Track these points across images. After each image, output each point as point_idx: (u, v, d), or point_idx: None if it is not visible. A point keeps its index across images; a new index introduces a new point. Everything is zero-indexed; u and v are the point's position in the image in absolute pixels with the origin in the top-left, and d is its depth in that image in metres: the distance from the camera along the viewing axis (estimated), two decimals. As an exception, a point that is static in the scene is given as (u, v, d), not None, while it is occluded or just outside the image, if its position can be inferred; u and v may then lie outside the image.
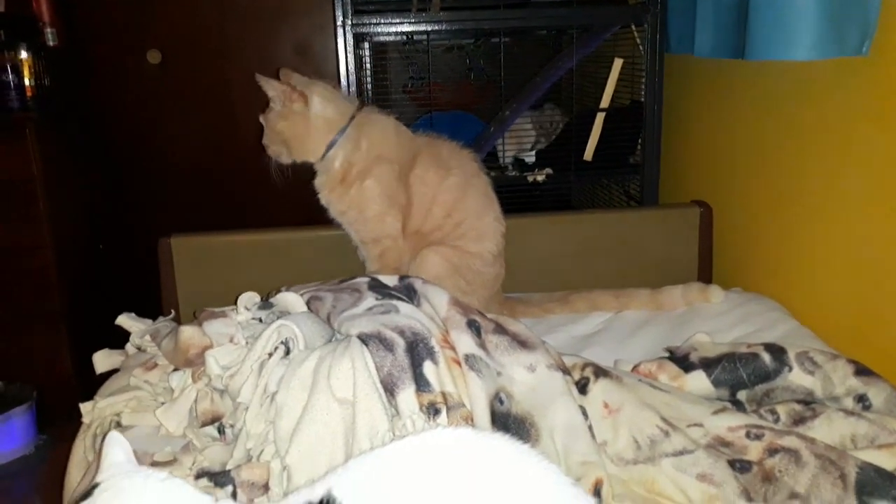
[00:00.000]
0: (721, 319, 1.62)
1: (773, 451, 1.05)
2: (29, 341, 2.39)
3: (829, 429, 1.10)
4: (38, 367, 2.40)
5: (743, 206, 1.88)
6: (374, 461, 0.78)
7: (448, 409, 1.05)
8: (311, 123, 1.61)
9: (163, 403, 1.23)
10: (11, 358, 2.37)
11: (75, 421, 1.42)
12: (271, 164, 1.66)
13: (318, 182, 1.67)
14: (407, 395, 1.06)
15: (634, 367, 1.31)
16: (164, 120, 3.10)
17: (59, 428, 2.23)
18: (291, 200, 1.79)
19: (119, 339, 1.52)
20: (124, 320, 1.47)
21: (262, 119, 1.64)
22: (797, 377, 1.25)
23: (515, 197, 2.12)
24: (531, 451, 0.80)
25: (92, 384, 1.46)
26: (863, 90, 1.42)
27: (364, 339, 1.11)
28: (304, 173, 1.70)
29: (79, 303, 2.50)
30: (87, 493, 0.76)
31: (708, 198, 1.98)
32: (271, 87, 1.59)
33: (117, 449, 0.82)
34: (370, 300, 1.25)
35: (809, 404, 1.18)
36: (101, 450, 0.82)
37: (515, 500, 0.72)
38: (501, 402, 1.11)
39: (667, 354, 1.35)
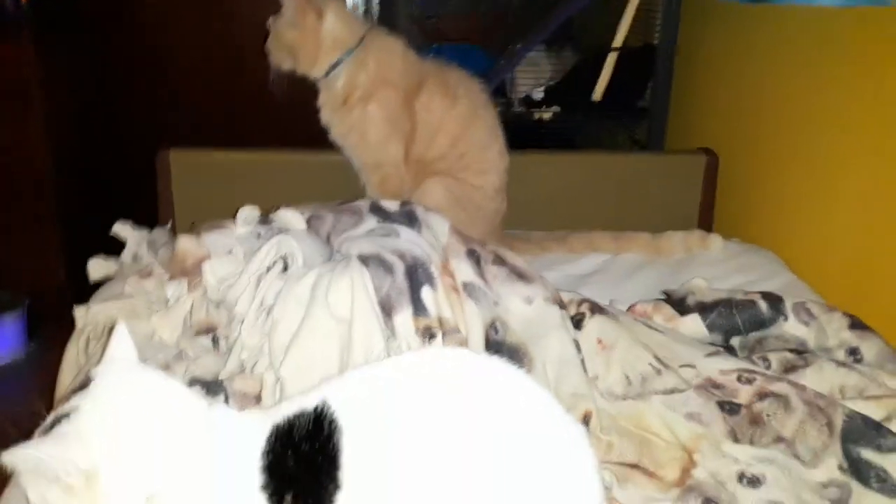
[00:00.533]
0: (719, 268, 1.61)
1: (762, 395, 1.06)
2: (21, 247, 2.37)
3: (819, 378, 1.11)
4: (29, 274, 2.39)
5: (750, 156, 1.86)
6: (370, 374, 0.78)
7: (444, 334, 1.06)
8: (322, 39, 1.58)
9: (157, 311, 1.22)
10: (4, 264, 2.36)
11: (66, 328, 1.42)
12: (270, 72, 1.62)
13: (321, 100, 1.64)
14: (404, 318, 1.06)
15: (630, 307, 1.31)
16: (168, 30, 3.01)
17: (49, 334, 2.24)
18: (293, 119, 1.75)
19: (113, 249, 1.51)
20: (120, 228, 1.45)
21: (269, 23, 1.60)
22: (792, 327, 1.26)
23: (520, 134, 2.08)
24: (525, 375, 0.80)
25: (84, 293, 1.45)
26: (886, 41, 1.38)
27: (364, 259, 1.10)
28: (306, 92, 1.67)
29: (73, 210, 2.48)
30: (85, 384, 0.76)
31: (715, 145, 1.95)
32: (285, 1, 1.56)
33: (123, 343, 0.82)
34: (371, 223, 1.24)
35: (802, 354, 1.19)
36: (104, 346, 0.81)
37: (508, 417, 0.72)
38: (497, 330, 1.12)
39: (663, 297, 1.36)
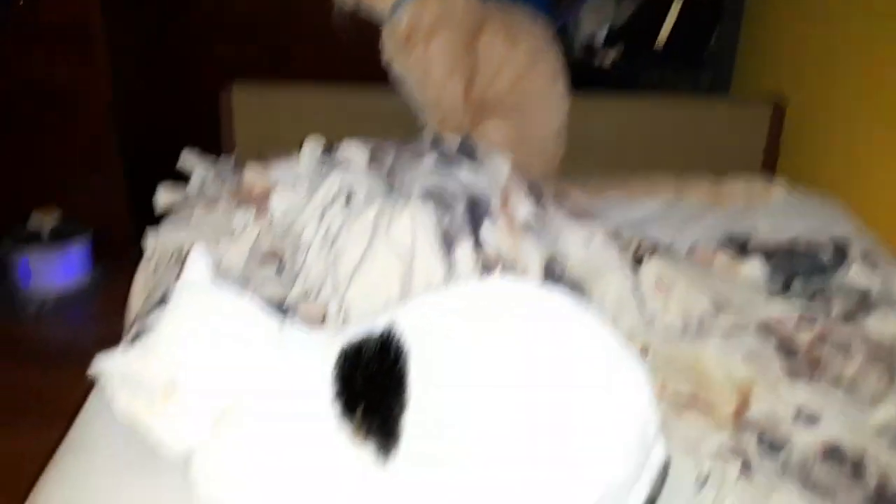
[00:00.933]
0: (782, 216, 1.57)
1: (822, 339, 1.06)
2: (86, 179, 2.45)
3: (882, 325, 1.10)
4: (94, 205, 2.46)
5: (818, 105, 1.80)
6: (437, 299, 0.79)
7: (502, 269, 1.07)
8: None
9: (224, 240, 1.25)
10: (69, 196, 2.44)
11: (128, 257, 1.47)
12: (334, 10, 1.62)
13: (384, 38, 1.64)
14: (463, 252, 1.07)
15: (690, 250, 1.30)
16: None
17: (112, 263, 2.32)
18: (354, 56, 1.75)
19: (179, 182, 1.54)
20: (187, 159, 1.49)
21: None
22: (855, 275, 1.23)
23: (582, 77, 2.05)
24: (586, 307, 0.81)
25: (146, 225, 1.49)
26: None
27: (425, 194, 1.12)
28: (366, 30, 1.66)
29: (136, 143, 2.54)
30: (164, 301, 0.79)
31: (783, 92, 1.90)
32: None
33: (200, 262, 0.85)
34: (432, 159, 1.25)
35: (865, 301, 1.17)
36: (179, 269, 0.85)
37: (570, 342, 0.74)
38: (555, 268, 1.13)
39: (724, 241, 1.34)
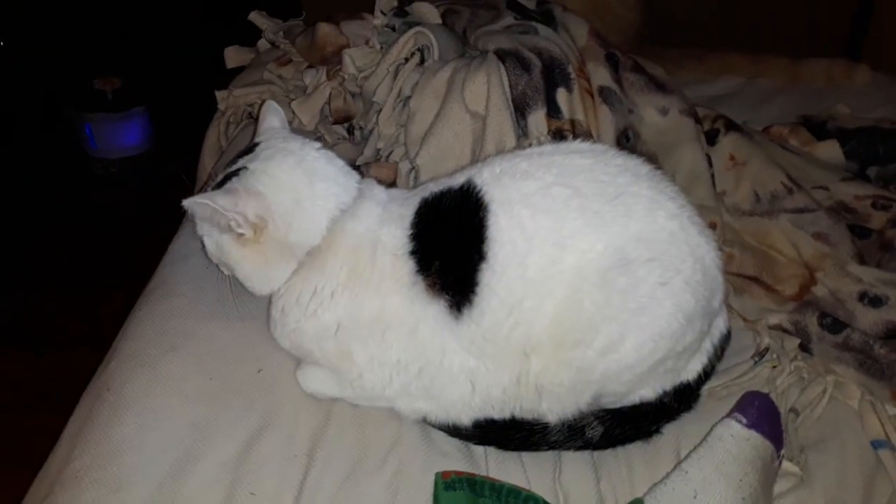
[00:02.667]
0: (864, 100, 1.50)
1: (895, 223, 1.04)
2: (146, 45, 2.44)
3: (960, 212, 1.07)
4: (154, 71, 2.46)
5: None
6: (513, 157, 0.80)
7: (575, 137, 1.06)
8: None
9: (296, 98, 1.26)
10: (130, 61, 2.43)
11: (187, 124, 1.48)
12: None
13: None
14: (537, 117, 1.06)
15: (766, 128, 1.27)
16: None
17: (172, 130, 2.34)
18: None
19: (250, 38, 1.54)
20: (256, 17, 1.48)
21: None
22: (937, 161, 1.20)
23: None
24: (661, 175, 0.81)
25: (222, 76, 1.50)
26: None
27: (501, 55, 1.10)
28: None
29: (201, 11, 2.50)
30: (249, 150, 0.82)
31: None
32: None
33: (274, 116, 0.87)
34: (508, 18, 1.21)
35: (945, 189, 1.14)
36: (258, 115, 0.87)
37: (646, 205, 0.74)
38: (628, 138, 1.11)
39: (801, 120, 1.30)
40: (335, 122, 1.22)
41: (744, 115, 1.42)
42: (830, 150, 1.21)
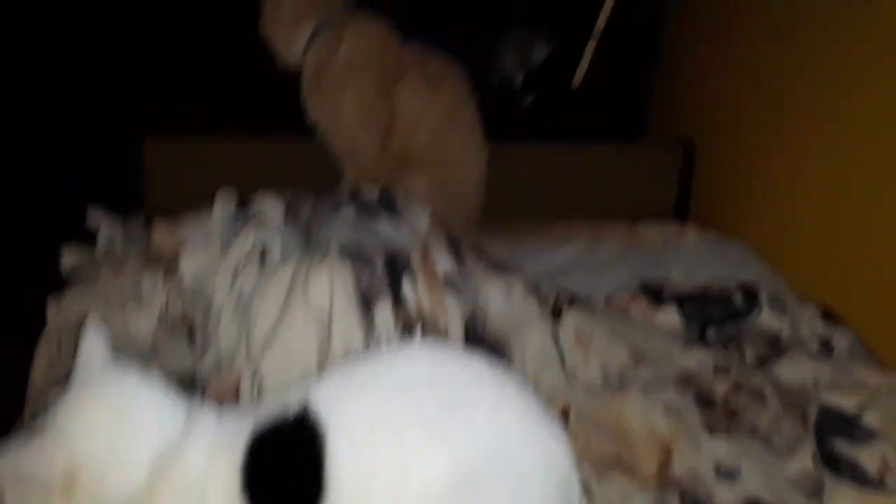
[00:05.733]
0: (694, 259, 1.63)
1: (737, 388, 1.08)
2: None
3: (793, 370, 1.13)
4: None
5: (728, 146, 1.87)
6: (351, 370, 0.77)
7: (423, 326, 1.05)
8: (282, 18, 1.59)
9: (132, 304, 1.20)
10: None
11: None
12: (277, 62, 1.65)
13: (302, 82, 1.62)
14: (384, 310, 1.05)
15: (608, 299, 1.32)
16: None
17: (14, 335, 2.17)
18: (273, 103, 1.72)
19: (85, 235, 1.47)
20: (94, 217, 1.42)
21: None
22: (767, 319, 1.27)
23: (498, 123, 2.07)
24: (505, 371, 0.80)
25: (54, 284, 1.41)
26: (866, 27, 1.39)
27: (343, 249, 1.09)
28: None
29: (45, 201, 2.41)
30: (62, 384, 0.74)
31: (695, 134, 1.96)
32: None
33: (95, 339, 0.80)
34: (350, 211, 1.22)
35: (776, 345, 1.20)
36: (78, 343, 0.80)
37: (488, 413, 0.72)
38: (476, 323, 1.11)
39: (640, 288, 1.36)
40: (173, 330, 1.15)
41: (588, 283, 1.48)
42: (669, 317, 1.26)
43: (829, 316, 1.27)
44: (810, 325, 1.26)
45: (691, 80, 2.10)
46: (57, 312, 1.24)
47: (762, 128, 1.72)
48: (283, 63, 1.63)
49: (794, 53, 1.61)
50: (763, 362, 1.16)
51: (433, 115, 1.58)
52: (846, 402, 1.03)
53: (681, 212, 1.95)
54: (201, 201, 1.40)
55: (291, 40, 1.59)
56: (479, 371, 0.77)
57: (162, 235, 1.21)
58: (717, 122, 1.93)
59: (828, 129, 1.49)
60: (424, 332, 1.04)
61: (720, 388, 1.07)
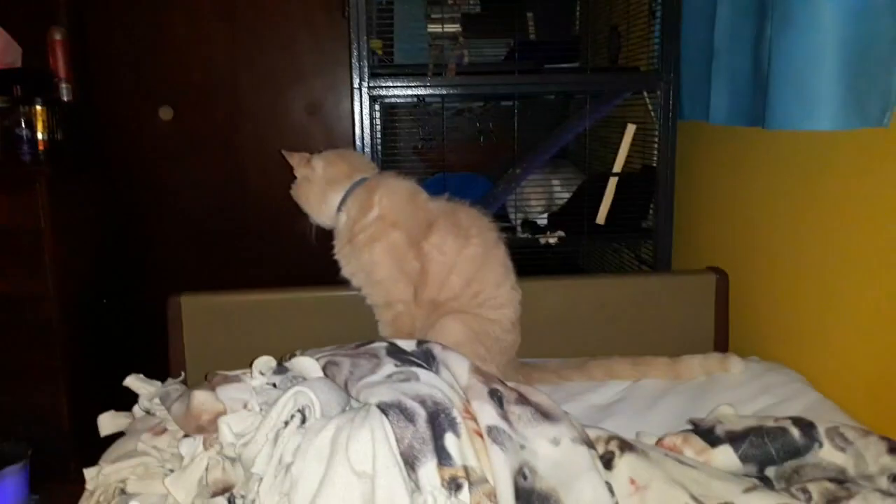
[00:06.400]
0: (741, 390, 1.58)
1: (810, 534, 1.01)
2: (27, 396, 2.34)
3: (866, 511, 1.06)
4: (34, 424, 2.34)
5: (759, 273, 1.86)
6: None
7: (470, 484, 1.02)
8: (314, 185, 1.70)
9: (171, 471, 1.18)
10: (7, 412, 2.31)
11: (70, 482, 1.36)
12: (310, 228, 1.74)
13: (335, 240, 1.68)
14: (428, 470, 1.02)
15: (659, 441, 1.27)
16: (175, 174, 3.11)
17: (53, 488, 2.16)
18: (305, 256, 1.78)
19: (123, 398, 1.48)
20: (133, 381, 1.43)
21: (292, 193, 1.74)
22: (828, 454, 1.21)
23: (526, 259, 2.10)
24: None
25: (91, 445, 1.41)
26: (883, 160, 1.42)
27: (384, 408, 1.07)
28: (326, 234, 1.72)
29: (81, 358, 2.46)
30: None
31: (723, 264, 1.96)
32: (291, 158, 1.72)
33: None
34: (389, 367, 1.21)
35: (843, 483, 1.14)
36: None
37: None
38: (525, 477, 1.07)
39: (691, 427, 1.31)
40: (214, 495, 1.12)
41: (634, 421, 1.44)
42: (726, 458, 1.21)
43: (895, 448, 1.20)
44: (877, 459, 1.19)
45: (713, 212, 2.12)
46: (96, 477, 1.22)
47: (790, 254, 1.72)
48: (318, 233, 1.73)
49: (809, 182, 1.63)
50: (831, 503, 1.09)
51: (465, 263, 1.61)
52: (929, 546, 0.96)
53: (721, 341, 1.91)
54: (238, 357, 1.42)
55: (325, 202, 1.67)
56: None
57: (202, 400, 1.20)
58: (743, 250, 1.93)
59: (858, 255, 1.48)
60: (472, 491, 1.00)
61: (791, 535, 1.00)
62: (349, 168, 1.71)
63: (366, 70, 2.08)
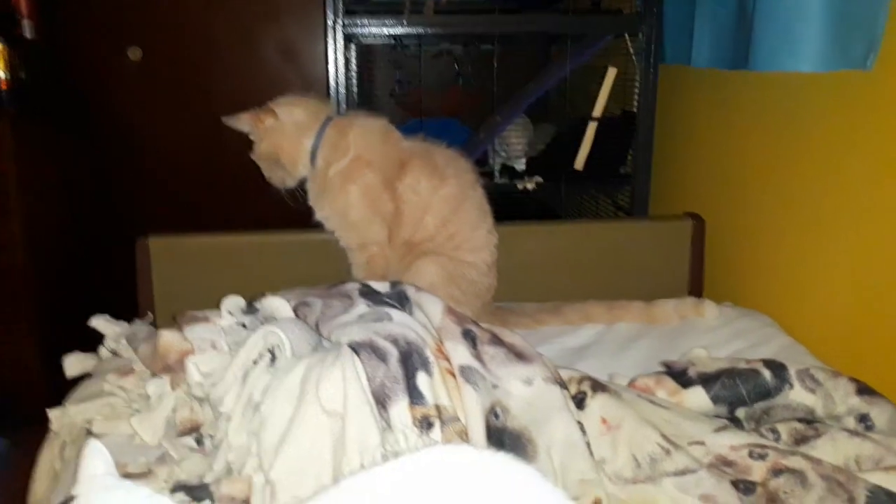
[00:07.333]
0: (715, 334, 1.59)
1: (777, 471, 1.02)
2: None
3: (833, 449, 1.07)
4: (4, 370, 2.31)
5: (736, 219, 1.85)
6: (365, 485, 0.72)
7: (442, 422, 1.01)
8: (286, 132, 1.61)
9: (138, 411, 1.16)
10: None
11: (42, 427, 1.34)
12: (283, 194, 1.67)
13: (308, 183, 1.64)
14: (400, 408, 1.00)
15: (631, 382, 1.27)
16: (145, 118, 3.03)
17: (24, 433, 2.14)
18: (278, 200, 1.73)
19: (92, 341, 1.45)
20: (99, 322, 1.40)
21: (253, 157, 1.65)
22: (798, 395, 1.22)
23: (504, 204, 2.07)
24: (531, 472, 0.75)
25: (61, 389, 1.39)
26: (864, 104, 1.40)
27: (355, 347, 1.06)
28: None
29: (50, 303, 2.42)
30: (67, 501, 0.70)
31: (700, 210, 1.96)
32: (240, 121, 1.61)
33: (97, 459, 0.76)
34: (361, 307, 1.19)
35: (811, 423, 1.15)
36: (78, 458, 0.76)
37: None
38: (497, 416, 1.07)
39: (664, 369, 1.32)
40: (181, 434, 1.11)
41: (608, 363, 1.44)
42: (697, 399, 1.21)
43: (864, 390, 1.21)
44: (845, 399, 1.20)
45: (691, 157, 2.10)
46: (61, 418, 1.20)
47: (768, 200, 1.71)
48: (290, 196, 1.67)
49: (790, 127, 1.62)
50: (800, 442, 1.10)
51: (440, 203, 1.58)
52: (894, 483, 0.97)
53: (695, 287, 1.91)
54: (206, 300, 1.39)
55: (299, 152, 1.61)
56: (504, 478, 0.72)
57: (169, 340, 1.18)
58: (722, 196, 1.92)
59: (837, 196, 1.48)
60: (443, 430, 1.00)
61: (758, 472, 1.01)
62: (312, 109, 1.64)
63: (340, 6, 2.01)
